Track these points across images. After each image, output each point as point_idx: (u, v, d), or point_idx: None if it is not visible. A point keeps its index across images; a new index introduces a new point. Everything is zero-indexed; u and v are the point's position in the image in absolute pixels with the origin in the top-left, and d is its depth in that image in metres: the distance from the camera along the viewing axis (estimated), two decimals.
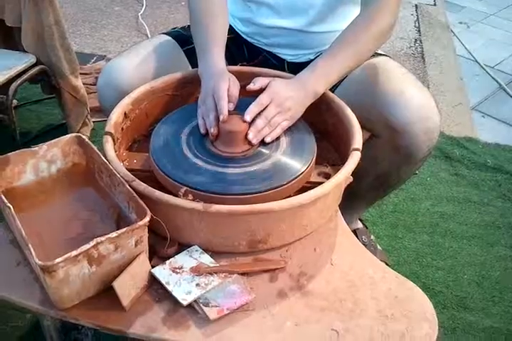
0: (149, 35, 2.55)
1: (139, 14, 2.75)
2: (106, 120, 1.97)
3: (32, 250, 0.71)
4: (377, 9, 1.03)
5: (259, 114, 0.93)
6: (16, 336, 1.19)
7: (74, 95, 1.73)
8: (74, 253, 0.71)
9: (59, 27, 1.64)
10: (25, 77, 1.59)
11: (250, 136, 0.92)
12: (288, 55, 1.24)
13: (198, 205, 0.79)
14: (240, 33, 1.26)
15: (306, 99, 0.98)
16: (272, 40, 1.22)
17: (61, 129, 1.83)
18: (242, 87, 1.14)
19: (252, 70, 1.15)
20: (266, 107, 0.93)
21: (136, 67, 1.11)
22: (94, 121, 1.86)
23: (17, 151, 0.89)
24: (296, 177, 0.89)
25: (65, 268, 0.71)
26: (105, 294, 0.77)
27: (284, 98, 0.94)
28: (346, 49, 1.01)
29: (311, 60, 1.21)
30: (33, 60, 1.63)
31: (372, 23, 1.02)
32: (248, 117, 0.92)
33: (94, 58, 2.34)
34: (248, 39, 1.26)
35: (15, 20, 1.65)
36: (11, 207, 0.78)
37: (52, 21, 1.61)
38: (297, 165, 0.91)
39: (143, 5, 2.84)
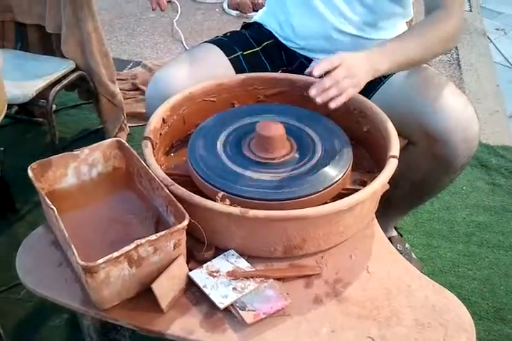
0: (184, 42, 2.58)
1: (174, 21, 2.79)
2: (142, 125, 2.01)
3: (75, 251, 0.73)
4: (444, 12, 1.03)
5: (327, 73, 0.89)
6: (54, 335, 1.21)
7: (111, 100, 1.76)
8: (115, 254, 0.73)
9: (97, 34, 1.68)
10: (65, 82, 1.63)
11: (313, 92, 0.87)
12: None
13: (236, 210, 0.80)
14: (278, 37, 1.27)
15: (368, 72, 0.95)
16: (305, 42, 1.23)
17: (98, 134, 1.87)
18: (277, 94, 1.16)
19: (287, 77, 1.16)
20: (335, 68, 0.90)
21: (184, 76, 1.13)
22: (130, 126, 1.89)
23: (59, 155, 0.92)
24: (332, 184, 0.89)
25: (106, 269, 0.73)
26: (144, 296, 0.78)
27: (353, 64, 0.92)
28: (414, 39, 1.01)
29: None
30: (72, 65, 1.67)
31: (441, 23, 1.02)
32: (317, 72, 0.87)
33: (131, 64, 2.38)
34: (285, 43, 1.27)
35: (55, 27, 1.70)
36: (55, 208, 0.80)
37: (91, 28, 1.65)
38: (333, 171, 0.92)
39: (178, 12, 2.89)
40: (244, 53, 1.23)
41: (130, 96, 2.09)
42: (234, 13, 2.86)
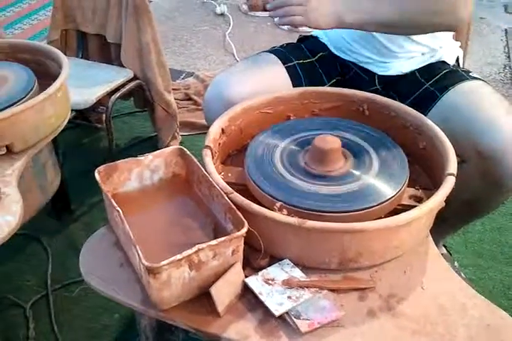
0: (236, 54, 2.64)
1: (226, 33, 2.85)
2: (193, 134, 2.06)
3: (139, 252, 0.76)
4: None
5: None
6: (105, 334, 1.26)
7: (166, 109, 1.82)
8: (178, 257, 0.75)
9: (156, 44, 1.75)
10: (123, 90, 1.70)
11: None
12: (375, 65, 1.26)
13: (293, 220, 0.82)
14: (331, 48, 1.31)
15: (332, 16, 1.04)
16: (354, 46, 1.26)
17: (151, 141, 1.93)
18: (332, 108, 1.17)
19: (343, 92, 1.17)
20: None
21: (243, 81, 1.18)
22: (182, 135, 1.94)
23: (124, 160, 0.96)
24: (388, 199, 0.90)
25: (168, 270, 0.76)
26: (201, 299, 0.80)
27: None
28: (390, 4, 1.05)
29: (403, 75, 1.23)
30: (130, 74, 1.74)
31: None
32: None
33: (183, 75, 2.45)
34: (338, 53, 1.31)
35: (115, 37, 1.77)
36: (120, 210, 0.84)
37: (150, 39, 1.72)
38: (390, 187, 0.92)
39: (230, 24, 2.95)
40: (300, 62, 1.27)
41: (182, 105, 2.15)
42: (285, 27, 2.90)
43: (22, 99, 1.20)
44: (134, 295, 0.82)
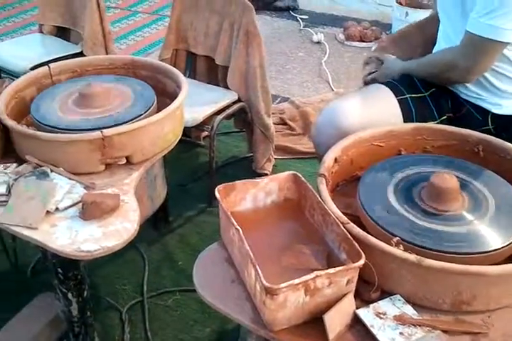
0: (331, 82, 2.67)
1: (322, 61, 2.90)
2: (286, 158, 2.09)
3: (260, 271, 0.79)
4: (453, 47, 1.23)
5: None
6: None
7: (264, 132, 1.87)
8: (296, 281, 0.78)
9: (262, 69, 1.81)
10: (228, 111, 1.76)
11: None
12: (488, 102, 1.25)
13: (412, 257, 0.82)
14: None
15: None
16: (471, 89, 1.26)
17: (245, 161, 1.98)
18: (445, 147, 1.16)
19: (459, 131, 1.16)
20: None
21: (356, 110, 1.22)
22: (275, 158, 1.98)
23: (242, 181, 1.00)
24: (507, 245, 0.88)
25: (286, 293, 0.78)
26: (310, 324, 0.82)
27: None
28: (418, 62, 1.33)
29: None
30: (235, 97, 1.81)
31: (439, 54, 1.30)
32: None
33: (278, 99, 2.50)
34: (451, 88, 1.31)
35: (224, 60, 1.85)
36: (240, 229, 0.87)
37: (257, 64, 1.78)
38: (507, 232, 0.90)
39: (326, 52, 3.00)
40: (412, 96, 1.29)
41: (277, 129, 2.19)
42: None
43: (142, 114, 1.28)
44: (245, 313, 0.85)
